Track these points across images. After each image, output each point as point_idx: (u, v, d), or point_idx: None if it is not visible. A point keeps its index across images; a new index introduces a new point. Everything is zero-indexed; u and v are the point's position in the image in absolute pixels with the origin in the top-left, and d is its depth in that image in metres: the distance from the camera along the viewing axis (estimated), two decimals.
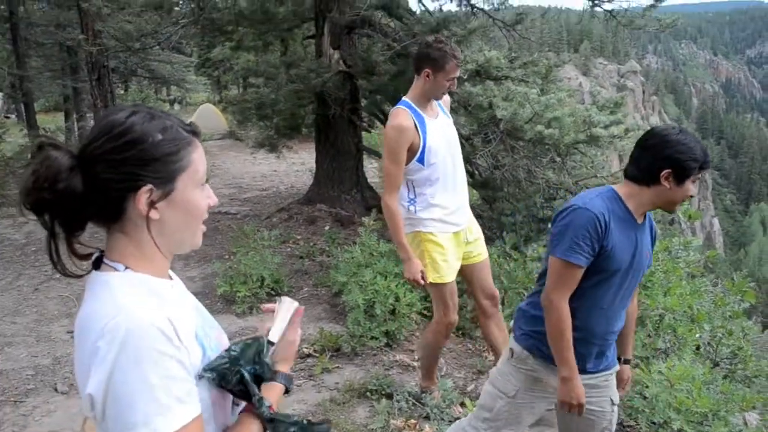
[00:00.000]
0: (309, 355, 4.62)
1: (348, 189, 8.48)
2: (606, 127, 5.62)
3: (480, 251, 3.60)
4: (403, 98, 3.37)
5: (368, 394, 3.97)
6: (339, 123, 8.17)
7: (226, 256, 6.94)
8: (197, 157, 1.19)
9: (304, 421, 1.29)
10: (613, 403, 2.51)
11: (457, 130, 3.43)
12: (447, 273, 3.39)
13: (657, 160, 2.17)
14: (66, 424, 3.86)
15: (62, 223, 1.13)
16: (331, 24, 7.77)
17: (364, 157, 11.05)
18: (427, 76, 3.22)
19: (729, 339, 5.03)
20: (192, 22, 8.33)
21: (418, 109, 3.28)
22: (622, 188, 2.28)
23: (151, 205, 1.13)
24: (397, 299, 4.74)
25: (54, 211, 1.11)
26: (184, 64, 20.54)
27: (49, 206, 1.10)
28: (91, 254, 1.19)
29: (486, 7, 8.02)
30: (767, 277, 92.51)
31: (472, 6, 7.93)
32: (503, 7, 8.05)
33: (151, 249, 1.18)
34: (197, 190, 1.20)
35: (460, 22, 6.46)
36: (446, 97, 3.59)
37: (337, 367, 4.44)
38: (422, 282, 3.31)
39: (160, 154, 1.13)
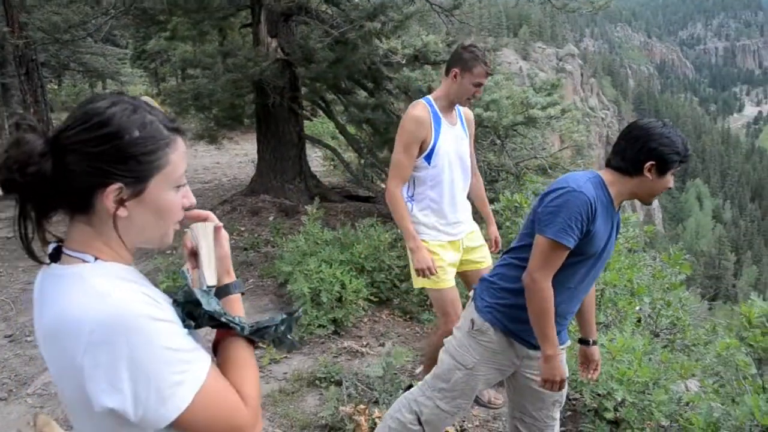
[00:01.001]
0: (256, 347, 4.57)
1: (291, 178, 8.40)
2: (543, 108, 5.71)
3: (483, 257, 3.54)
4: (427, 95, 3.34)
5: (317, 382, 3.96)
6: (279, 112, 8.08)
7: (168, 251, 6.80)
8: (176, 158, 1.14)
9: (283, 316, 1.31)
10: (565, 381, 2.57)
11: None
12: (441, 278, 3.29)
13: (642, 152, 2.21)
14: (5, 431, 3.74)
15: (33, 206, 1.10)
16: (267, 11, 7.65)
17: (308, 145, 11.00)
18: (455, 76, 3.18)
19: (668, 310, 5.19)
20: (123, 12, 8.07)
21: (437, 109, 3.24)
22: (606, 176, 2.32)
23: (120, 203, 1.09)
24: (343, 286, 4.73)
25: (23, 193, 1.07)
26: (118, 56, 19.94)
27: (18, 188, 1.06)
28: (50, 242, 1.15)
29: None
30: (704, 251, 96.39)
31: None
32: None
33: (118, 243, 1.13)
34: (172, 191, 1.15)
35: (397, 7, 6.44)
36: (470, 114, 3.54)
37: (285, 357, 4.40)
38: (435, 271, 3.22)
39: (135, 153, 1.08)
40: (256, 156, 8.98)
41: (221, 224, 1.39)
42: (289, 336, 1.34)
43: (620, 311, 4.71)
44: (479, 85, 3.22)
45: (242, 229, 7.53)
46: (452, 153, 3.28)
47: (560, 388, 2.41)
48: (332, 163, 11.49)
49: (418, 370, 4.24)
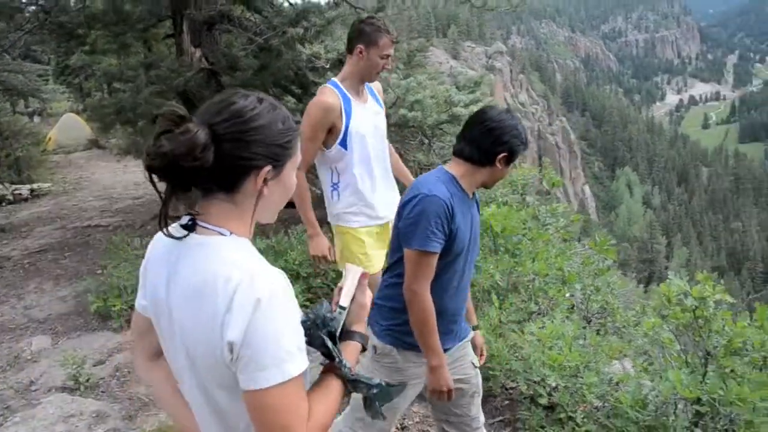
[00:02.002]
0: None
1: None
2: (466, 105, 5.82)
3: None
4: (332, 78, 3.24)
5: None
6: None
7: (98, 271, 6.61)
8: (298, 144, 1.37)
9: (383, 383, 1.43)
10: (474, 366, 2.61)
11: None
12: (365, 265, 3.20)
13: (497, 144, 2.27)
14: None
15: (175, 187, 1.24)
16: (189, 21, 7.52)
17: None
18: (360, 52, 3.09)
19: (597, 295, 5.36)
20: (38, 27, 7.81)
21: (346, 91, 3.15)
22: (455, 168, 2.35)
23: (265, 182, 1.29)
24: None
25: (176, 177, 1.21)
26: (37, 72, 19.20)
27: (177, 173, 1.20)
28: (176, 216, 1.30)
29: None
30: (637, 236, 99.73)
31: None
32: None
33: (249, 217, 1.33)
34: (293, 172, 1.38)
35: (319, 12, 6.44)
36: (379, 86, 3.49)
37: None
38: (330, 258, 3.21)
39: (281, 141, 1.30)
40: None
41: (368, 272, 1.58)
42: (377, 402, 1.46)
43: (552, 299, 4.84)
44: (387, 56, 3.14)
45: None
46: (370, 131, 3.23)
47: (449, 399, 2.40)
48: None
49: None
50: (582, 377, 3.62)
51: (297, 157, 1.37)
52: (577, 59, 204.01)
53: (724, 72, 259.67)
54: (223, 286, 1.19)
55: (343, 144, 3.16)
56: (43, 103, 26.51)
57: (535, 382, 3.68)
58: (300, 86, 7.62)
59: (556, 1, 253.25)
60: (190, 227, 1.28)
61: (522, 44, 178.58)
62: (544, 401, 3.57)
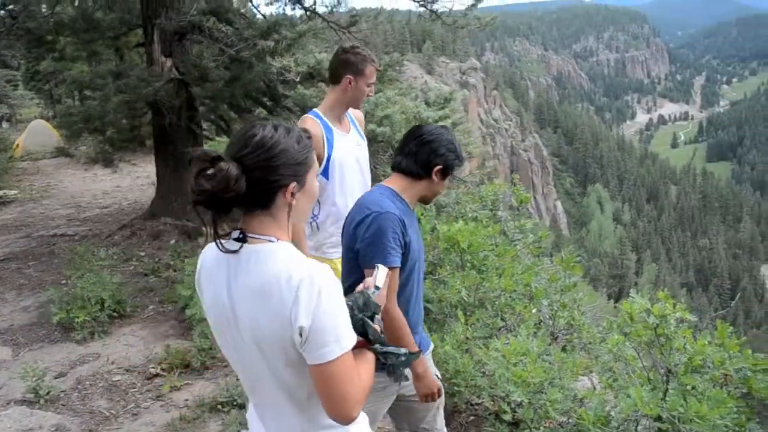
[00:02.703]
0: (156, 375, 4.43)
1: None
2: (435, 122, 5.85)
3: None
4: (314, 109, 3.22)
5: (219, 407, 3.87)
6: (177, 133, 7.89)
7: (63, 281, 6.49)
8: (314, 155, 1.61)
9: (408, 351, 1.77)
10: (438, 378, 2.61)
11: None
12: None
13: (434, 156, 2.33)
14: None
15: (219, 213, 1.48)
16: (160, 30, 7.48)
17: None
18: (349, 83, 3.09)
19: (564, 311, 5.39)
20: (3, 33, 7.69)
21: (327, 121, 3.13)
22: (395, 183, 2.38)
23: (292, 195, 1.53)
24: None
25: (218, 206, 1.46)
26: (6, 78, 18.91)
27: (219, 203, 1.44)
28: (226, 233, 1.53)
29: (321, 10, 8.05)
30: (607, 251, 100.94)
31: (306, 9, 7.94)
32: (338, 9, 8.11)
33: (286, 224, 1.58)
34: (314, 179, 1.63)
35: (290, 25, 6.43)
36: (360, 116, 3.48)
37: (187, 383, 4.29)
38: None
39: (300, 159, 1.54)
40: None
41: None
42: (401, 368, 1.81)
43: (518, 315, 4.85)
44: (372, 84, 3.19)
45: (142, 254, 7.28)
46: (351, 162, 3.21)
47: (439, 395, 2.48)
48: None
49: None
50: (546, 393, 3.63)
51: (315, 166, 1.61)
52: (549, 77, 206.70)
53: (692, 92, 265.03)
54: (287, 283, 1.44)
55: (325, 174, 3.12)
56: (12, 109, 26.08)
57: (499, 398, 3.68)
58: (271, 98, 7.61)
59: (529, 20, 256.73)
60: (242, 239, 1.52)
61: (496, 61, 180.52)
62: (508, 417, 3.57)
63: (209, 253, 1.64)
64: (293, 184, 1.52)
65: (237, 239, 1.52)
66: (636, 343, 3.63)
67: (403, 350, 1.73)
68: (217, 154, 1.46)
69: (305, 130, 1.59)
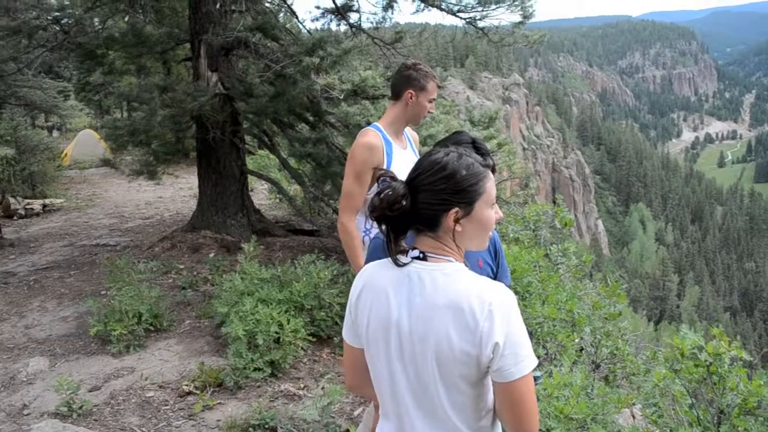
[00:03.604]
0: (189, 393, 4.40)
1: (233, 213, 8.25)
2: None
3: None
4: (374, 123, 3.25)
5: (251, 429, 3.81)
6: (221, 146, 7.95)
7: (102, 292, 6.56)
8: (490, 185, 1.62)
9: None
10: None
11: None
12: None
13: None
14: None
15: (393, 230, 1.58)
16: (207, 46, 7.56)
17: (254, 179, 10.86)
18: (411, 97, 3.12)
19: (607, 340, 5.23)
20: (56, 46, 7.86)
21: (387, 135, 3.16)
22: None
23: (456, 221, 1.56)
24: (280, 326, 4.61)
25: (391, 222, 1.57)
26: (57, 89, 19.43)
27: (388, 219, 1.56)
28: (404, 250, 1.61)
29: (366, 26, 8.05)
30: (648, 272, 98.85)
31: (351, 25, 7.94)
32: (383, 25, 8.10)
33: (455, 248, 1.60)
34: (489, 209, 1.62)
35: (336, 42, 6.42)
36: (416, 137, 3.49)
37: (219, 403, 4.25)
38: None
39: (465, 185, 1.55)
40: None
41: None
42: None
43: (560, 344, 4.71)
44: (433, 100, 3.20)
45: (181, 267, 7.32)
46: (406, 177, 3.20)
47: None
48: (277, 196, 11.36)
49: (357, 411, 4.14)
50: (589, 429, 3.48)
51: (488, 196, 1.61)
52: (593, 93, 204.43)
53: (741, 111, 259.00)
54: (479, 300, 1.48)
55: None
56: (62, 119, 26.80)
57: None
58: (314, 114, 7.61)
59: (574, 36, 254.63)
60: (423, 258, 1.58)
61: (539, 77, 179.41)
62: None
63: (376, 270, 1.68)
64: (455, 210, 1.55)
65: (417, 257, 1.59)
66: (686, 380, 3.47)
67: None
68: (390, 172, 1.62)
69: (472, 164, 1.60)
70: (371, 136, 3.12)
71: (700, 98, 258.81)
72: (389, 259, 1.63)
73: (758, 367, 5.22)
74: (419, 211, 1.55)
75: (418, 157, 3.38)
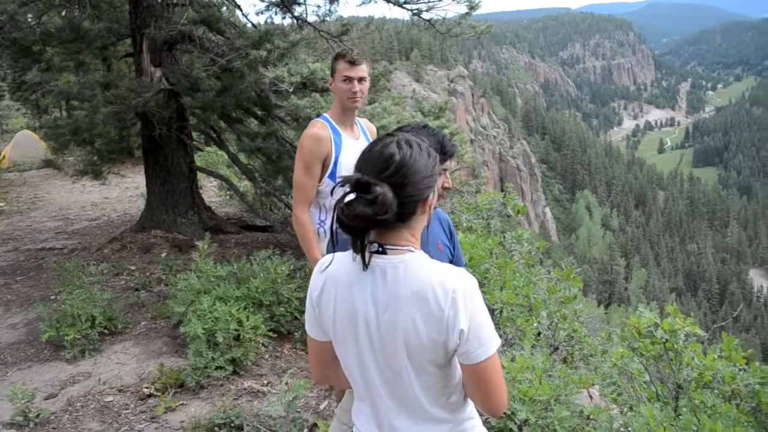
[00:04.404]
0: (150, 396, 4.30)
1: (183, 211, 8.08)
2: None
3: None
4: (323, 114, 3.23)
5: (216, 429, 3.74)
6: (168, 143, 7.77)
7: (52, 297, 6.34)
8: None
9: None
10: None
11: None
12: None
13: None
14: None
15: (364, 232, 1.52)
16: (149, 40, 7.36)
17: (203, 176, 10.65)
18: (330, 84, 3.12)
19: (564, 323, 5.32)
20: None
21: (336, 125, 3.13)
22: None
23: (430, 206, 1.62)
24: (240, 324, 4.54)
25: (375, 226, 1.52)
26: None
27: (375, 224, 1.50)
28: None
29: (311, 19, 7.98)
30: (597, 257, 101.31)
31: (296, 18, 7.85)
32: (328, 18, 8.04)
33: (418, 234, 1.64)
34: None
35: (283, 34, 6.34)
36: (372, 127, 3.44)
37: (182, 404, 4.16)
38: None
39: (433, 171, 1.59)
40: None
41: None
42: None
43: (519, 328, 4.77)
44: (348, 79, 3.07)
45: (132, 268, 7.14)
46: None
47: None
48: (228, 193, 11.19)
49: (323, 405, 4.12)
50: (553, 410, 3.54)
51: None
52: (536, 84, 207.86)
53: (678, 99, 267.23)
54: (441, 288, 1.51)
55: (332, 177, 3.10)
56: None
57: (505, 416, 3.58)
58: (263, 108, 7.50)
59: (516, 28, 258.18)
60: (382, 252, 1.57)
61: (483, 69, 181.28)
62: None
63: (336, 265, 1.68)
64: (432, 196, 1.61)
65: (377, 252, 1.58)
66: (643, 357, 3.55)
67: None
68: (364, 178, 1.49)
69: (429, 149, 1.62)
70: (318, 127, 3.11)
71: (639, 87, 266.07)
72: (348, 253, 1.64)
73: (709, 343, 5.40)
74: (404, 205, 1.53)
75: None
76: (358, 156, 1.61)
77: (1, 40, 7.52)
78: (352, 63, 3.07)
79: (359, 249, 1.54)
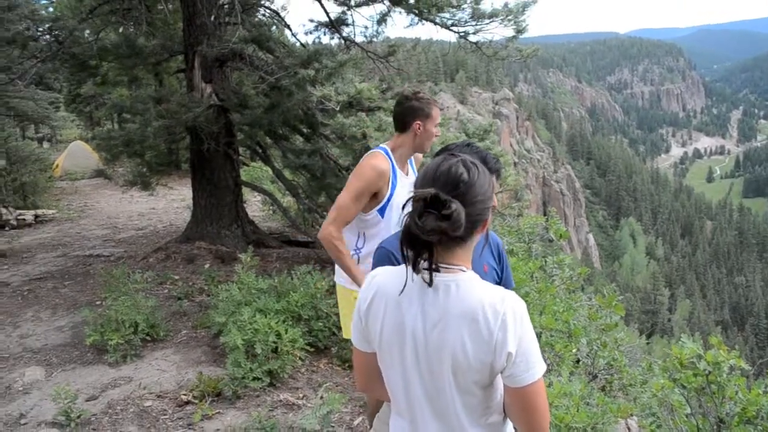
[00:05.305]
0: (188, 403, 4.39)
1: (228, 224, 8.25)
2: None
3: None
4: (382, 145, 3.24)
5: None
6: (215, 158, 7.96)
7: (98, 302, 6.53)
8: None
9: None
10: None
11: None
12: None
13: None
14: None
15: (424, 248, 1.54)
16: (201, 57, 7.59)
17: (248, 190, 10.86)
18: (419, 128, 3.13)
19: (604, 351, 5.25)
20: (49, 57, 7.87)
21: (395, 161, 3.17)
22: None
23: (484, 227, 1.64)
24: (278, 336, 4.61)
25: (447, 241, 1.54)
26: (49, 100, 19.39)
27: (449, 239, 1.53)
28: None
29: (359, 40, 8.12)
30: (639, 286, 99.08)
31: (344, 38, 8.01)
32: (375, 39, 8.17)
33: (471, 255, 1.66)
34: None
35: (331, 54, 6.47)
36: (420, 158, 3.51)
37: (218, 412, 4.24)
38: None
39: (492, 194, 1.65)
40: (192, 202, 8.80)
41: None
42: None
43: (558, 354, 4.74)
44: (438, 125, 3.23)
45: (176, 277, 7.31)
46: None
47: None
48: (271, 208, 11.37)
49: (357, 421, 4.14)
50: None
51: None
52: (582, 109, 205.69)
53: (728, 126, 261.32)
54: (492, 310, 1.52)
55: (381, 212, 3.15)
56: (53, 130, 26.72)
57: None
58: (309, 126, 7.65)
59: (563, 52, 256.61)
60: (436, 269, 1.57)
61: (529, 92, 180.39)
62: None
63: (387, 279, 1.71)
64: (490, 218, 1.65)
65: (432, 269, 1.58)
66: (685, 389, 3.50)
67: None
68: (442, 196, 1.51)
69: (486, 171, 1.65)
70: (381, 159, 3.12)
71: (688, 114, 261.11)
72: (399, 267, 1.67)
73: (754, 378, 5.26)
74: (468, 225, 1.55)
75: None
76: (423, 173, 1.64)
77: (61, 54, 7.84)
78: (441, 110, 3.24)
79: (421, 267, 1.55)
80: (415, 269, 1.56)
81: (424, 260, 1.55)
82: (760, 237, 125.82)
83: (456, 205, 1.50)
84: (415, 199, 1.53)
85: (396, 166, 3.17)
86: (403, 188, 3.17)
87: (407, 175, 3.27)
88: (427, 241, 1.50)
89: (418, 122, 3.13)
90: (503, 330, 1.51)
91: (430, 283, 1.57)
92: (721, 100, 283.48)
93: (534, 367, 1.54)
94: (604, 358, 5.14)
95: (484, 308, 1.53)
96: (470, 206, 1.55)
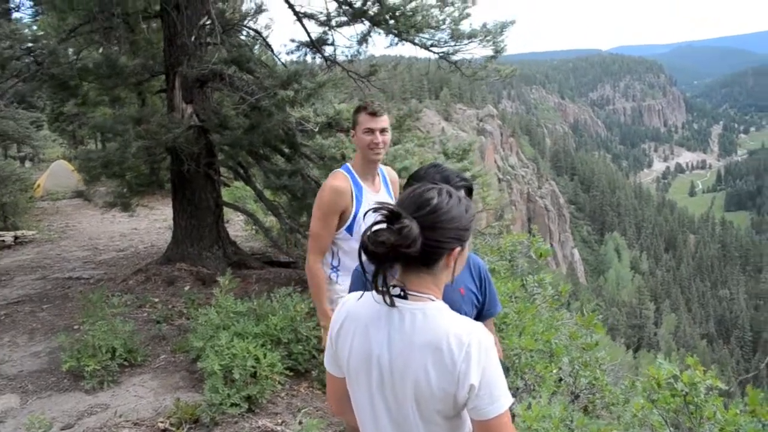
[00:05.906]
0: (165, 430, 4.31)
1: (209, 245, 8.18)
2: None
3: None
4: (345, 164, 3.24)
5: None
6: (195, 178, 7.91)
7: (75, 327, 6.43)
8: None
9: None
10: None
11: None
12: None
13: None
14: None
15: (384, 265, 1.55)
16: (182, 78, 7.56)
17: (230, 211, 10.80)
18: (353, 136, 3.12)
19: (585, 370, 5.24)
20: (29, 77, 7.80)
21: (357, 177, 3.14)
22: None
23: (455, 259, 1.63)
24: (257, 361, 4.55)
25: (392, 259, 1.54)
26: (30, 119, 19.25)
27: (394, 257, 1.53)
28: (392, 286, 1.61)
29: (341, 59, 8.14)
30: (625, 300, 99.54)
31: (326, 58, 8.02)
32: (358, 58, 8.20)
33: (442, 284, 1.66)
34: (469, 246, 1.73)
35: (311, 75, 6.47)
36: (394, 175, 3.46)
37: None
38: None
39: (467, 225, 1.63)
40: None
41: None
42: None
43: (538, 375, 4.71)
44: (370, 131, 3.07)
45: (156, 300, 7.22)
46: None
47: None
48: (253, 228, 11.30)
49: None
50: None
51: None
52: (566, 125, 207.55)
53: (709, 141, 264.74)
54: (457, 341, 1.52)
55: (350, 230, 3.13)
56: (35, 150, 26.46)
57: None
58: (290, 146, 7.62)
59: (545, 69, 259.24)
60: (403, 296, 1.60)
61: (512, 108, 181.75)
62: None
63: (358, 304, 1.71)
64: (459, 249, 1.62)
65: (398, 295, 1.60)
66: (663, 410, 3.49)
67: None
68: (396, 209, 1.55)
69: (469, 206, 1.68)
70: (340, 179, 3.11)
71: (669, 129, 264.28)
72: (370, 293, 1.66)
73: (736, 395, 5.26)
74: (424, 249, 1.55)
75: (393, 199, 3.40)
76: (400, 196, 1.68)
77: (41, 74, 7.77)
78: (374, 114, 3.07)
79: (381, 284, 1.56)
80: (375, 287, 1.58)
81: (383, 279, 1.56)
82: (743, 250, 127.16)
83: (410, 222, 1.51)
84: (373, 211, 1.56)
85: (360, 182, 3.15)
86: (371, 204, 3.13)
87: (378, 191, 3.24)
88: (375, 252, 1.51)
89: (353, 132, 3.15)
90: (467, 361, 1.50)
91: (390, 304, 1.58)
92: (702, 115, 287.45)
93: (498, 400, 1.53)
94: (586, 377, 5.12)
95: (449, 338, 1.53)
96: (433, 230, 1.54)
